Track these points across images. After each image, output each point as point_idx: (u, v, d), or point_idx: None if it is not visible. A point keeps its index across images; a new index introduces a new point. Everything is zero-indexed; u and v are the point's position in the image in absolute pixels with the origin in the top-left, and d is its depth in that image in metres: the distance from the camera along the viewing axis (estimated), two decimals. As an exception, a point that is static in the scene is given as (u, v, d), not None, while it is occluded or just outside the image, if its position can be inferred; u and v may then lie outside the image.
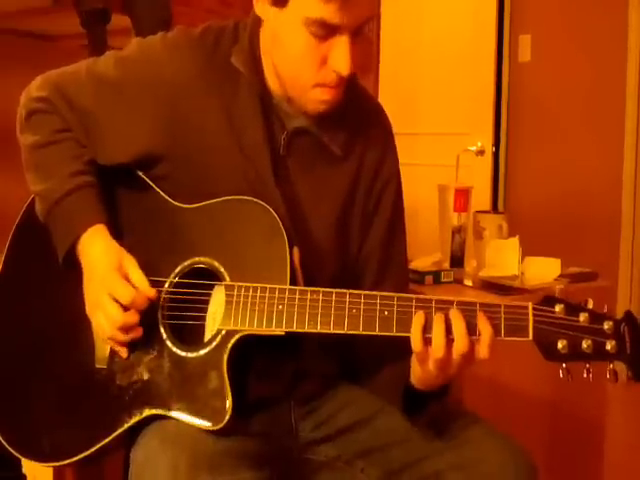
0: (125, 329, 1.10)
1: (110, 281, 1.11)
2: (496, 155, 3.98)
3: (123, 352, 1.13)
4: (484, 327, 1.01)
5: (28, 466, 1.28)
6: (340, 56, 1.08)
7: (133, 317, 1.10)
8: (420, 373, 1.08)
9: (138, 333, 1.12)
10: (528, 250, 2.08)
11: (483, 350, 1.01)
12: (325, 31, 1.06)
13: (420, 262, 2.09)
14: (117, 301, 1.10)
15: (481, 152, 3.90)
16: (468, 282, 1.98)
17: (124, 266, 1.13)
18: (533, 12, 3.92)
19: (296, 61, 1.11)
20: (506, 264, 2.02)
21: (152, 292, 1.12)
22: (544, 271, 2.02)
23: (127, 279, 1.12)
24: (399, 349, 1.11)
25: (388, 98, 3.85)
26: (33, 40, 2.36)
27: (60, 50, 2.44)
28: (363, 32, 1.10)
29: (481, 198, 3.47)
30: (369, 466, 1.20)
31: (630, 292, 3.66)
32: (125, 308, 1.10)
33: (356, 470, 1.21)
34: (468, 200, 2.16)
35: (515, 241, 2.05)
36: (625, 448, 2.88)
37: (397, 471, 1.17)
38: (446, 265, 2.10)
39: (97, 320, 1.12)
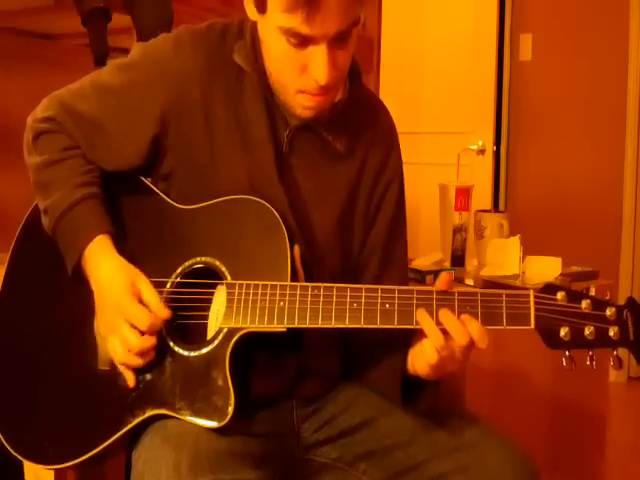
0: (141, 354, 1.10)
1: (126, 307, 1.09)
2: (497, 154, 3.98)
3: (131, 380, 1.11)
4: (470, 323, 1.02)
5: (30, 471, 1.28)
6: (317, 66, 1.06)
7: (150, 341, 1.09)
8: (429, 363, 1.07)
9: (151, 356, 1.11)
10: (529, 249, 2.08)
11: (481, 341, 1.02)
12: (299, 40, 1.04)
13: (421, 261, 2.10)
14: (134, 326, 1.09)
15: (482, 151, 3.92)
16: (469, 281, 1.99)
17: (136, 285, 1.11)
18: (534, 11, 3.91)
19: (278, 66, 1.11)
20: (507, 263, 2.02)
21: (166, 313, 1.10)
22: (545, 270, 2.02)
23: (140, 300, 1.11)
24: (395, 341, 1.13)
25: (389, 97, 3.84)
26: (34, 39, 2.35)
27: (61, 49, 2.43)
28: (349, 37, 1.06)
29: (482, 197, 3.47)
30: (371, 468, 1.20)
31: (631, 291, 3.66)
32: (141, 332, 1.09)
33: (358, 472, 1.21)
34: (469, 199, 2.16)
35: (516, 240, 2.05)
36: (626, 440, 2.89)
37: (399, 474, 1.17)
38: (447, 264, 2.11)
39: (112, 345, 1.11)
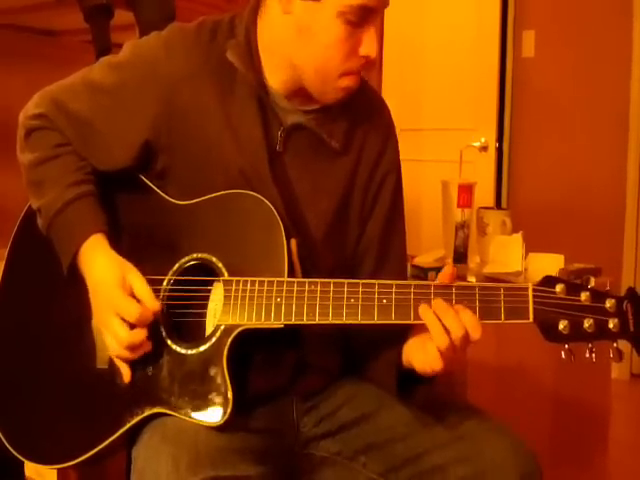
0: (132, 348, 1.10)
1: (116, 300, 1.10)
2: (499, 151, 3.98)
3: (126, 374, 1.11)
4: (464, 313, 1.02)
5: (31, 469, 1.28)
6: (371, 39, 1.12)
7: (139, 335, 1.09)
8: (433, 369, 1.06)
9: (147, 348, 1.11)
10: (531, 246, 2.08)
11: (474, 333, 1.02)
12: (359, 17, 1.10)
13: (423, 258, 2.09)
14: (125, 319, 1.09)
15: (484, 148, 3.92)
16: (471, 278, 1.98)
17: (128, 280, 1.12)
18: (537, 8, 3.90)
19: (328, 52, 1.12)
20: (509, 260, 2.02)
21: (156, 305, 1.10)
22: (547, 267, 2.01)
23: (132, 294, 1.11)
24: (391, 335, 1.13)
25: (391, 94, 3.84)
26: (36, 36, 2.36)
27: (63, 46, 2.43)
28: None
29: (484, 194, 3.47)
30: (371, 461, 1.20)
31: (634, 287, 3.65)
32: (132, 325, 1.09)
33: (358, 465, 1.20)
34: (471, 196, 2.16)
35: (518, 237, 2.05)
36: (629, 437, 2.89)
37: (398, 466, 1.17)
38: (449, 261, 2.10)
39: (106, 339, 1.12)
